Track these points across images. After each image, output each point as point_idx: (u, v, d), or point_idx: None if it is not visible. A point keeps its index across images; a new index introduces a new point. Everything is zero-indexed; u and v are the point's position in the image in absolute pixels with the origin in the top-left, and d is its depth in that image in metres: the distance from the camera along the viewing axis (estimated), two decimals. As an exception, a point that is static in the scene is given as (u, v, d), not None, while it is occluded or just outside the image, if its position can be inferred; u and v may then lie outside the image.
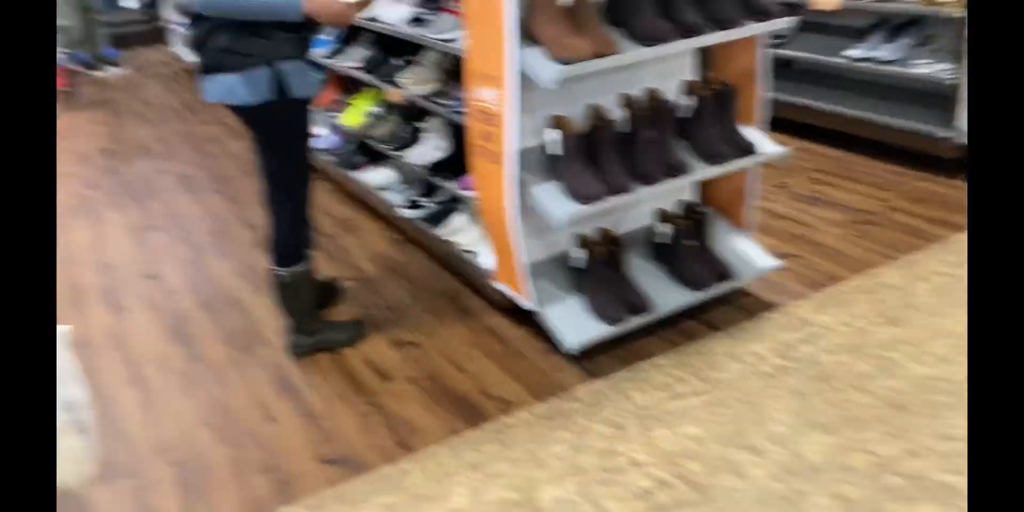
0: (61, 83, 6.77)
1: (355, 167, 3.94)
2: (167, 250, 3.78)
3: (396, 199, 3.63)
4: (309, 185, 2.61)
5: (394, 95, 3.21)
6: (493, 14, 2.29)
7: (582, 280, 2.60)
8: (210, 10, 2.21)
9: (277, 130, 2.47)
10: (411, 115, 3.41)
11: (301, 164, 2.57)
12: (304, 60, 2.44)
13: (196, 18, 2.38)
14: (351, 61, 3.63)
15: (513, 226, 2.49)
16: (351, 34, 3.82)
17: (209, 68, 2.39)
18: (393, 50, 3.46)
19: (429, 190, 3.43)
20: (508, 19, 2.24)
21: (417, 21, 2.97)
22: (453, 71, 2.98)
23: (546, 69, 2.21)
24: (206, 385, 2.71)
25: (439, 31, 2.73)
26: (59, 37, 7.84)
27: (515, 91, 2.32)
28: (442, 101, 2.93)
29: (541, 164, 2.52)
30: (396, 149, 3.39)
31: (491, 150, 2.46)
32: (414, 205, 3.39)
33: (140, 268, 3.61)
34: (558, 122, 2.46)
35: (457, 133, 3.09)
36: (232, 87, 2.36)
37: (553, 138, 2.42)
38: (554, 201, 2.38)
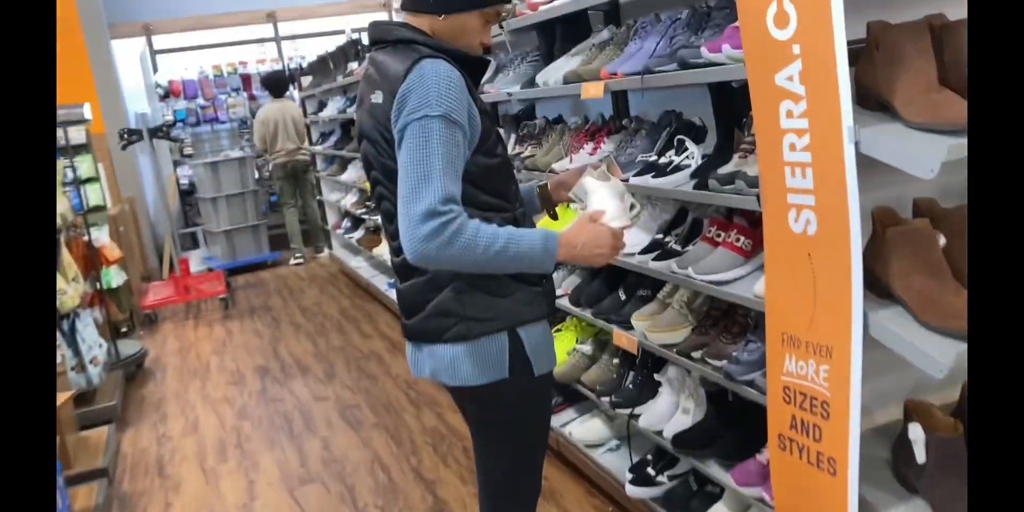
0: (220, 290, 6.57)
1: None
2: (328, 515, 3.11)
3: (610, 462, 2.89)
4: (539, 490, 1.91)
5: (622, 339, 2.55)
6: (823, 258, 1.63)
7: None
8: (430, 263, 1.61)
9: (508, 418, 1.80)
10: (637, 360, 2.72)
11: (534, 465, 1.88)
12: (547, 322, 1.83)
13: (406, 270, 1.81)
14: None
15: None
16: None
17: (423, 335, 1.79)
18: (611, 279, 2.85)
19: (659, 455, 2.67)
20: (852, 267, 1.57)
21: (662, 251, 2.36)
22: (711, 315, 2.31)
23: (932, 349, 1.49)
24: None
25: (704, 270, 2.09)
26: (218, 247, 7.84)
27: (859, 370, 1.61)
28: (696, 355, 2.24)
29: (884, 466, 1.75)
30: (619, 404, 2.68)
31: (814, 450, 1.72)
32: (643, 478, 2.62)
33: (296, 543, 2.93)
34: (918, 411, 1.71)
35: (716, 397, 2.37)
36: (454, 362, 1.74)
37: (916, 436, 1.66)
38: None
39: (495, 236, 1.58)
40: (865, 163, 1.55)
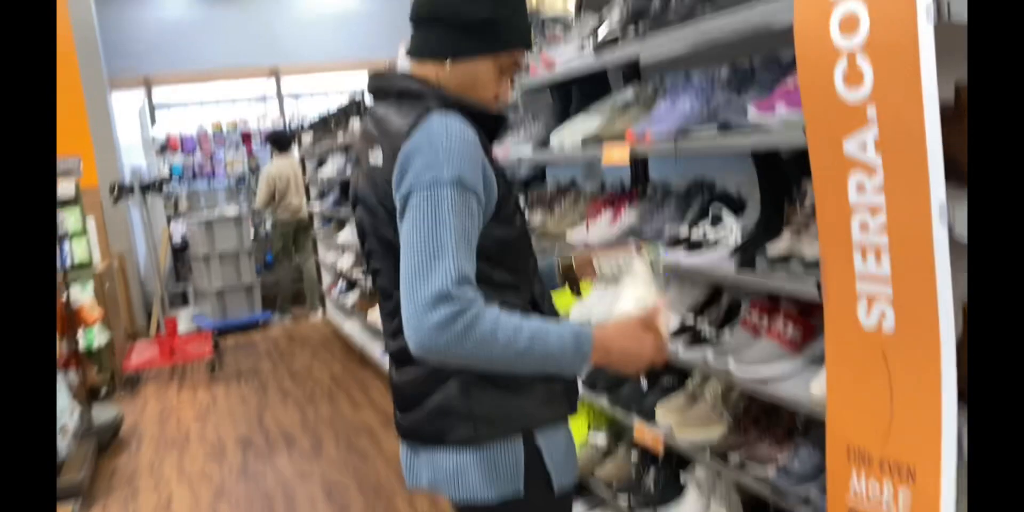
0: (207, 352, 6.25)
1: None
2: None
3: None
4: None
5: (646, 436, 2.26)
6: (903, 360, 1.36)
7: None
8: (438, 357, 1.34)
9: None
10: (660, 457, 2.42)
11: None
12: (568, 423, 1.55)
13: (403, 356, 1.53)
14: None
15: None
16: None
17: (421, 436, 1.51)
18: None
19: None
20: (943, 372, 1.30)
21: (693, 337, 2.09)
22: (750, 412, 2.02)
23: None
24: None
25: (743, 360, 1.81)
26: (208, 306, 7.56)
27: (952, 498, 1.32)
28: (734, 458, 1.95)
29: None
30: (641, 505, 2.37)
31: (892, 596, 1.42)
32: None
33: None
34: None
35: (753, 504, 2.07)
36: (459, 471, 1.45)
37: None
38: None
39: (518, 331, 1.31)
40: (952, 247, 1.30)
